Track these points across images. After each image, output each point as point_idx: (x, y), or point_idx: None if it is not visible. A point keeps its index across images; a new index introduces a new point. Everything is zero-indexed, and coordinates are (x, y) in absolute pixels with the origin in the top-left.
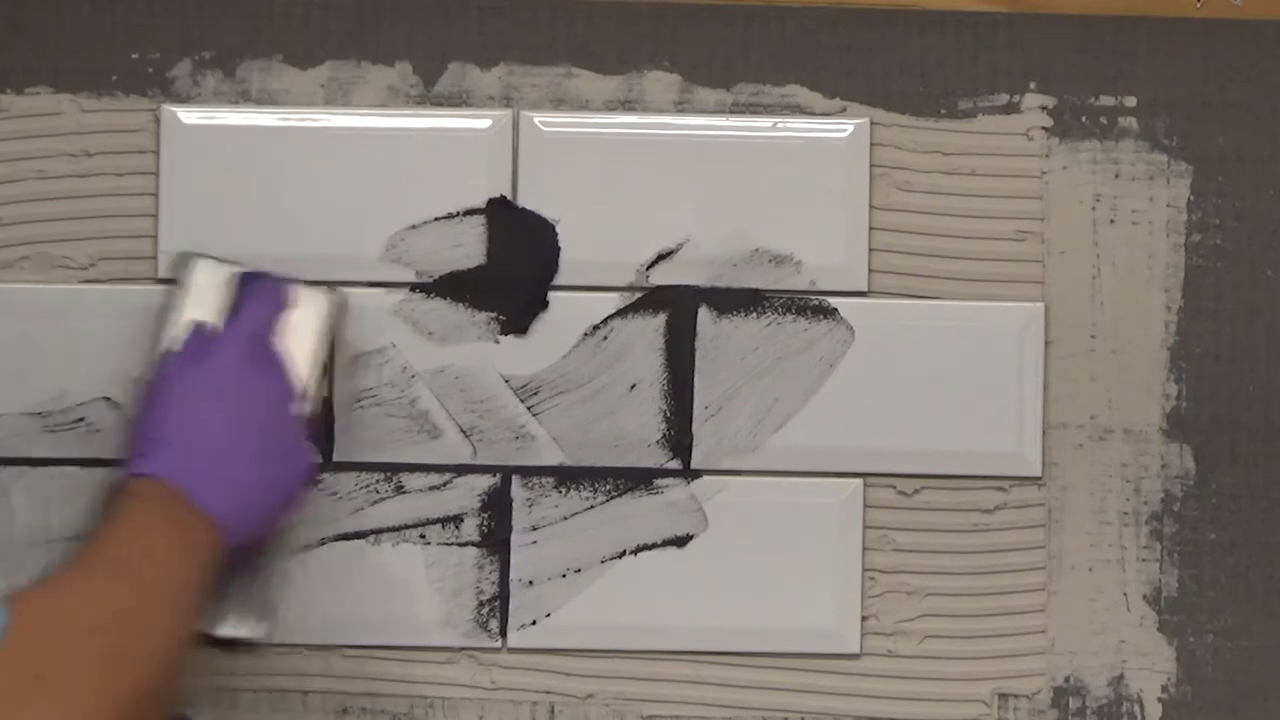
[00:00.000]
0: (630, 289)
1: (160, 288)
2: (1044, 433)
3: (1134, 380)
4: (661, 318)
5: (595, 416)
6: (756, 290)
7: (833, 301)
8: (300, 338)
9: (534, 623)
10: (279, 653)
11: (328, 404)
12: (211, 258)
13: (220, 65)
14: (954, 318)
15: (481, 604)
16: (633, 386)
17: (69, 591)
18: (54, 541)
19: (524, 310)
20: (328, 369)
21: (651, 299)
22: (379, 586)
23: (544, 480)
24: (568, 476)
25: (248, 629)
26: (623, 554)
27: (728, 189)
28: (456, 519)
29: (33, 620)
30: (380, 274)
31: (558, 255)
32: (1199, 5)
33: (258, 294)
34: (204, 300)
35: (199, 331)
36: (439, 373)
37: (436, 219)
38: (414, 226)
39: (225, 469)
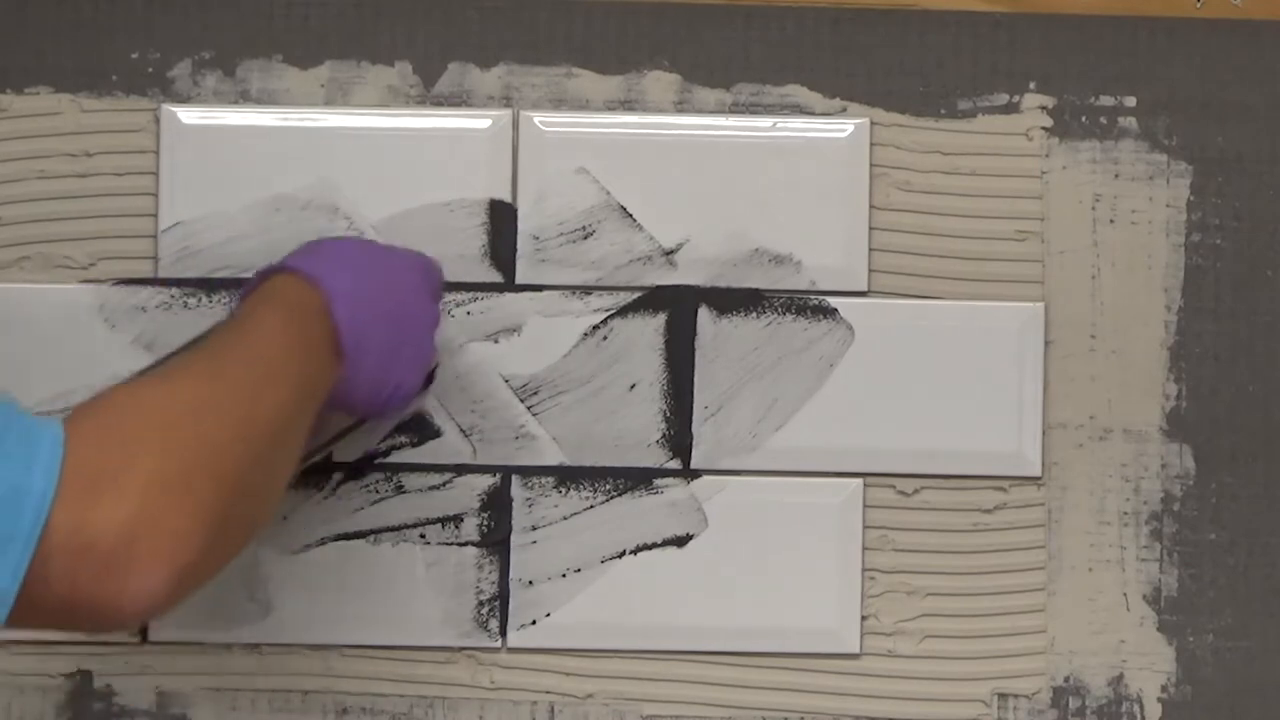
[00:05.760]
0: (629, 289)
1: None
2: (1044, 432)
3: (1134, 380)
4: (661, 318)
5: (595, 416)
6: (756, 290)
7: (833, 301)
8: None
9: (534, 622)
10: (279, 653)
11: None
12: None
13: (220, 65)
14: (954, 318)
15: (481, 604)
16: (633, 386)
17: (129, 396)
18: None
19: None
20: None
21: (651, 299)
22: (379, 586)
23: (544, 480)
24: (568, 476)
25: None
26: (623, 554)
27: (728, 189)
28: (456, 519)
29: (89, 428)
30: None
31: None
32: (1199, 5)
33: (432, 260)
34: None
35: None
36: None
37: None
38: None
39: (363, 313)
